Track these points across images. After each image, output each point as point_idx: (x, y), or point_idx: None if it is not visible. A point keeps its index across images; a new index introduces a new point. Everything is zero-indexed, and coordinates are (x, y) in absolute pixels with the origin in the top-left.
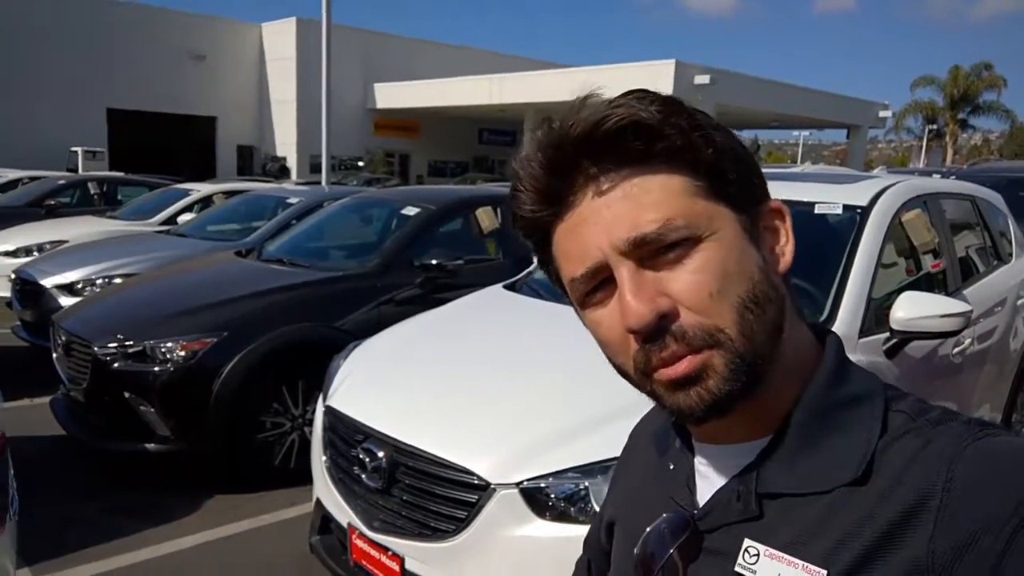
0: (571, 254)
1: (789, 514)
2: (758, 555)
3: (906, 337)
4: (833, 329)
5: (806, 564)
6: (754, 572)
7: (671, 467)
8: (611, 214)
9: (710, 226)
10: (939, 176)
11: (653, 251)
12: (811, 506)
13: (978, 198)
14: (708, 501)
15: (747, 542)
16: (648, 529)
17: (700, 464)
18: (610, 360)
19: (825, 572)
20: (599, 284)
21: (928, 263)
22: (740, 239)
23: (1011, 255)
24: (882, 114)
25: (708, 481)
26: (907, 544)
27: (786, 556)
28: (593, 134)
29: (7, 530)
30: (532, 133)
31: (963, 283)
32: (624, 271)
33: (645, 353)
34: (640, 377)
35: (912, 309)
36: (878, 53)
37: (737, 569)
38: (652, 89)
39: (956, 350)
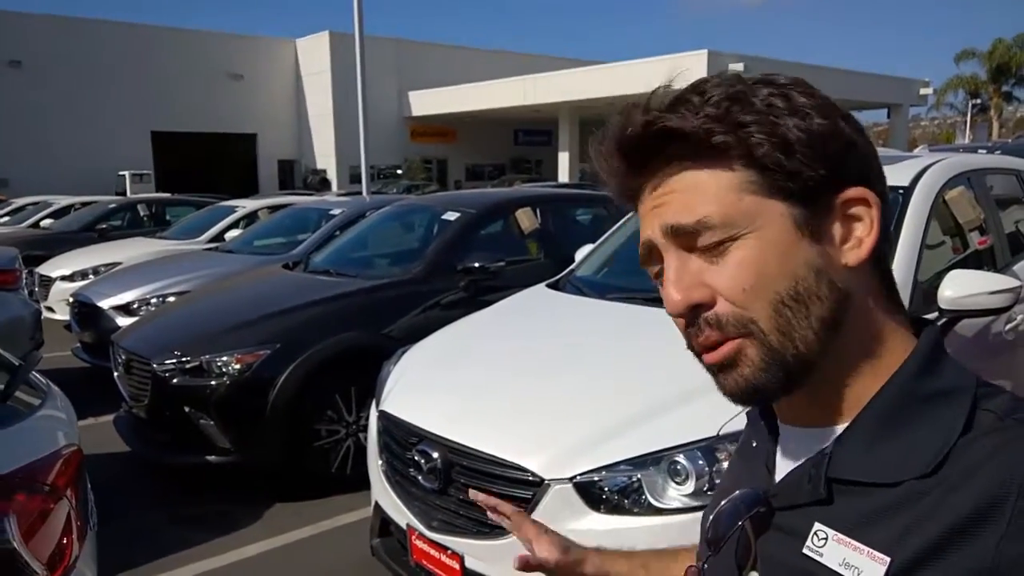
0: (640, 237)
1: (858, 501)
2: (826, 539)
3: (955, 316)
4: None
5: (871, 551)
6: (821, 555)
7: (754, 445)
8: (662, 202)
9: (752, 223)
10: (984, 151)
11: (694, 242)
12: (881, 495)
13: None
14: (781, 480)
15: (817, 525)
16: (723, 502)
17: (781, 445)
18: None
19: (888, 560)
20: (661, 267)
21: (975, 240)
22: (787, 235)
23: None
24: (923, 91)
25: (786, 462)
26: (974, 543)
27: (853, 541)
28: (642, 139)
29: (88, 541)
30: (597, 134)
31: (1012, 258)
32: (670, 256)
33: (687, 336)
34: (695, 356)
35: (960, 287)
36: (916, 29)
37: (805, 551)
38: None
39: (1008, 327)
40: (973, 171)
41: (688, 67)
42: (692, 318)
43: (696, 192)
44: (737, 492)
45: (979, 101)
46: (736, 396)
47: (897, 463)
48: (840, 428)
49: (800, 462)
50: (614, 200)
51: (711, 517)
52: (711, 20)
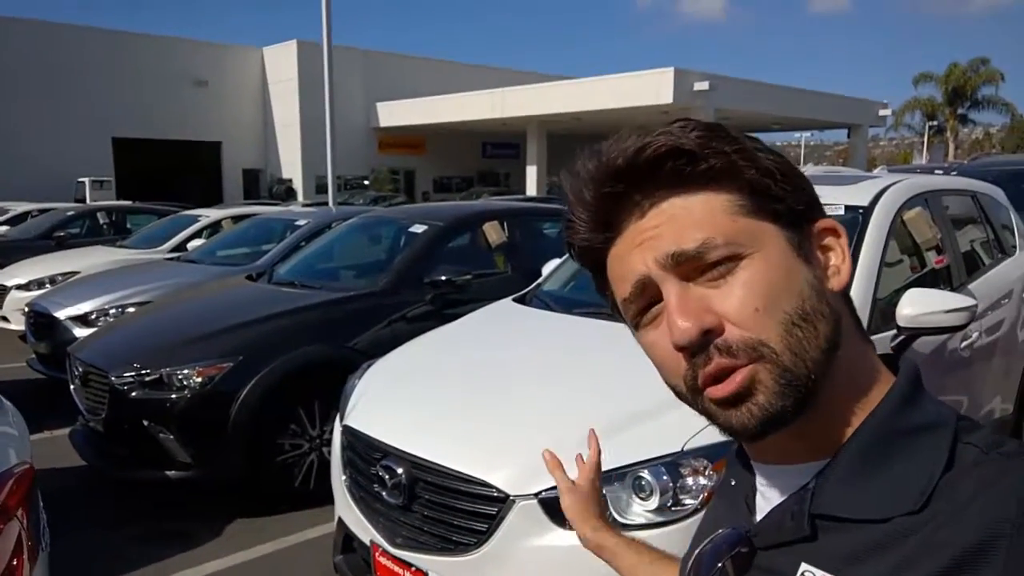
0: (621, 276)
1: (844, 538)
2: None
3: (913, 333)
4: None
5: None
6: None
7: (732, 483)
8: (655, 232)
9: (753, 243)
10: (940, 172)
11: (697, 268)
12: (867, 532)
13: (979, 193)
14: (763, 519)
15: (804, 566)
16: (704, 543)
17: (760, 483)
18: (666, 382)
19: None
20: (648, 305)
21: (932, 259)
22: (787, 255)
23: (1015, 247)
24: (882, 113)
25: (766, 499)
26: None
27: None
28: (635, 161)
29: (40, 562)
30: (580, 163)
31: (968, 278)
32: (670, 287)
33: (693, 369)
34: (693, 396)
35: (917, 305)
36: (874, 52)
37: None
38: (693, 119)
39: (964, 344)
40: (931, 192)
41: (656, 83)
42: (700, 347)
43: (689, 217)
44: (719, 532)
45: (936, 123)
46: (749, 429)
47: (883, 499)
48: (820, 464)
49: (782, 499)
50: (579, 252)
51: (691, 560)
52: (677, 39)
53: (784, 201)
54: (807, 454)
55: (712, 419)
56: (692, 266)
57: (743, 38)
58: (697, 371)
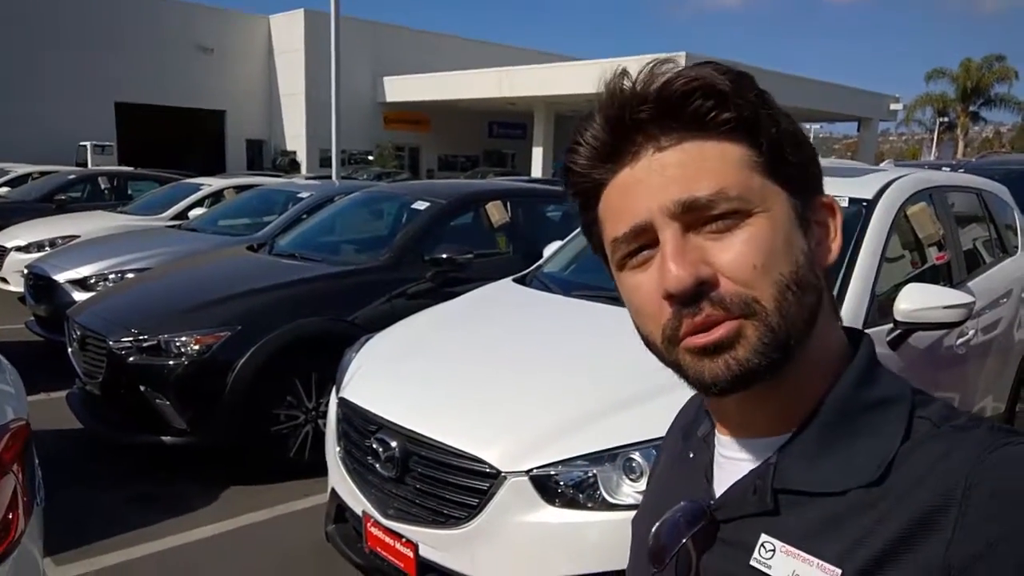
0: (619, 212)
1: (805, 512)
2: (774, 550)
3: (909, 328)
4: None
5: (821, 562)
6: (769, 567)
7: (691, 456)
8: (666, 175)
9: (762, 202)
10: (948, 169)
11: (701, 218)
12: (828, 506)
13: (984, 191)
14: (725, 492)
15: (764, 537)
16: (664, 517)
17: (720, 456)
18: (638, 328)
19: (839, 572)
20: (640, 248)
21: (933, 255)
22: (790, 221)
23: (1017, 247)
24: (893, 107)
25: (725, 472)
26: (924, 549)
27: (802, 553)
28: (662, 93)
29: (34, 517)
30: (603, 85)
31: (968, 275)
32: (669, 234)
33: (678, 318)
34: (666, 346)
35: (915, 300)
36: (889, 46)
37: (752, 563)
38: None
39: (960, 341)
40: (936, 188)
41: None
42: (691, 298)
43: (704, 164)
44: (681, 504)
45: (947, 119)
46: (719, 382)
47: (843, 472)
48: (781, 438)
49: (743, 474)
50: (574, 180)
51: (652, 532)
52: (691, 25)
53: (796, 168)
54: (769, 427)
55: (682, 370)
56: (697, 215)
57: (756, 27)
58: (681, 320)
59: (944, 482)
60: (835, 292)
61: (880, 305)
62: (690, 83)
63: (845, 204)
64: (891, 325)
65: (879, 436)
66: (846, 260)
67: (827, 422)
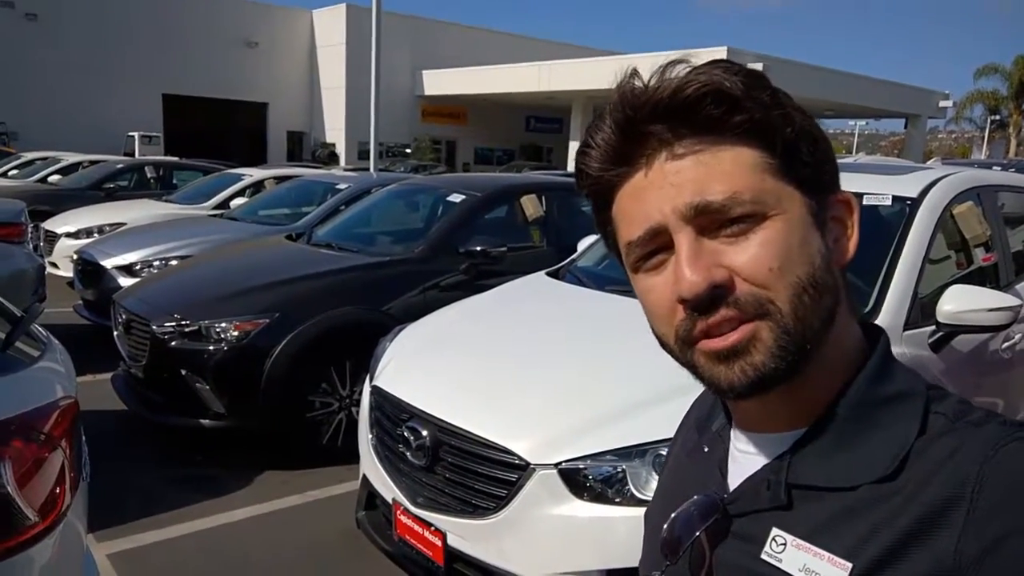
0: (632, 216)
1: (817, 506)
2: (785, 544)
3: (953, 330)
4: (877, 321)
5: (831, 556)
6: (780, 561)
7: (705, 450)
8: (679, 179)
9: (777, 204)
10: (999, 168)
11: (716, 221)
12: (840, 500)
13: None
14: (738, 487)
15: (775, 531)
16: (678, 510)
17: (735, 449)
18: (653, 329)
19: (850, 566)
20: (655, 250)
21: (979, 256)
22: (806, 222)
23: None
24: (942, 104)
25: (740, 467)
26: (934, 543)
27: (812, 547)
28: (673, 98)
29: (80, 492)
30: (619, 86)
31: (1016, 277)
32: (683, 238)
33: (691, 320)
34: (680, 346)
35: (960, 302)
36: (939, 41)
37: (763, 557)
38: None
39: (1005, 345)
40: (984, 187)
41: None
42: (707, 303)
43: (718, 168)
44: (695, 498)
45: (998, 117)
46: (735, 388)
47: (856, 467)
48: (796, 432)
49: (757, 468)
50: (588, 182)
51: (666, 524)
52: (731, 18)
53: (811, 167)
54: (786, 422)
55: (697, 373)
56: (712, 219)
57: (800, 21)
58: (695, 322)
59: (955, 476)
60: (876, 290)
61: (923, 306)
62: (701, 88)
63: (888, 202)
64: (933, 327)
65: (894, 431)
66: (888, 258)
67: (842, 418)
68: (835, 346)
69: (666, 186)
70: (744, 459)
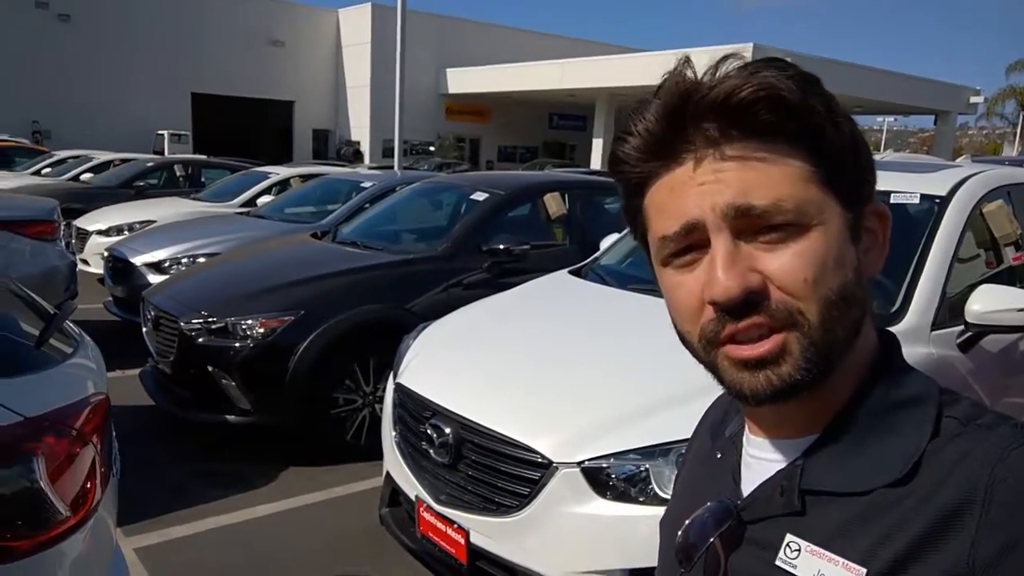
0: (669, 210)
1: (831, 512)
2: (799, 550)
3: (981, 331)
4: (904, 321)
5: (846, 562)
6: (795, 567)
7: (718, 456)
8: (723, 179)
9: (819, 215)
10: None
11: (755, 226)
12: (853, 505)
13: None
14: (752, 493)
15: (789, 537)
16: (692, 517)
17: (748, 455)
18: (676, 325)
19: (864, 571)
20: (688, 247)
21: (1010, 256)
22: (843, 235)
23: None
24: (973, 100)
25: (753, 472)
26: (948, 547)
27: (827, 553)
28: (729, 99)
29: (111, 487)
30: (667, 77)
31: None
32: (721, 239)
33: (721, 323)
34: (704, 345)
35: (989, 302)
36: (969, 37)
37: (778, 563)
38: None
39: None
40: (1014, 185)
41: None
42: (740, 307)
43: (764, 172)
44: (707, 505)
45: None
46: (758, 395)
47: (868, 471)
48: (809, 438)
49: (771, 474)
50: (622, 169)
51: (680, 531)
52: (756, 14)
53: (852, 179)
54: (799, 428)
55: (718, 374)
56: (752, 223)
57: (827, 16)
58: (724, 324)
59: (967, 480)
60: (903, 290)
61: (951, 306)
62: (757, 92)
63: (916, 200)
64: (962, 327)
65: (906, 436)
66: (916, 257)
67: (854, 423)
68: (855, 354)
69: (710, 184)
70: (757, 465)
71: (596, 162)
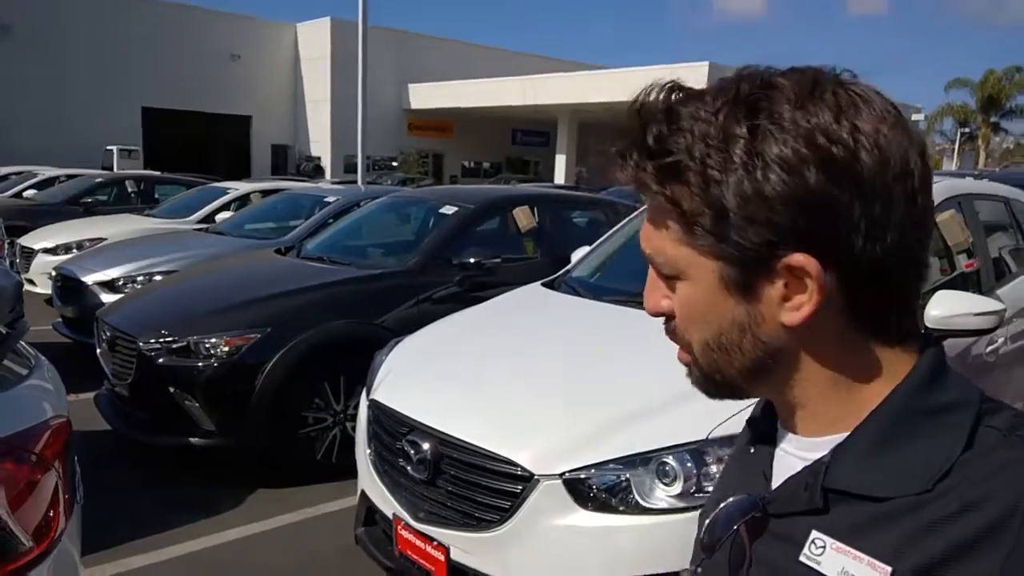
0: None
1: (856, 512)
2: (824, 547)
3: (940, 335)
4: None
5: (872, 560)
6: (819, 563)
7: (751, 451)
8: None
9: (686, 272)
10: (972, 178)
11: None
12: (880, 508)
13: (1012, 200)
14: (779, 487)
15: (814, 533)
16: (720, 507)
17: (780, 451)
18: None
19: (890, 570)
20: None
21: (962, 263)
22: (713, 292)
23: None
24: (914, 117)
25: (783, 467)
26: (979, 560)
27: (852, 550)
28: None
29: (75, 515)
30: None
31: (996, 283)
32: (650, 269)
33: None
34: None
35: (946, 307)
36: (910, 56)
37: (802, 559)
38: (688, 86)
39: (989, 349)
40: (964, 195)
41: (690, 77)
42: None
43: (653, 222)
44: (732, 498)
45: (968, 130)
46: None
47: (896, 477)
48: (839, 437)
49: (798, 470)
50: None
51: (707, 522)
52: (714, 32)
53: (730, 241)
54: (827, 427)
55: None
56: None
57: (779, 37)
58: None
59: (1007, 492)
60: None
61: None
62: (631, 127)
63: None
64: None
65: (937, 443)
66: None
67: (883, 425)
68: (829, 376)
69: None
70: (788, 460)
71: (560, 177)
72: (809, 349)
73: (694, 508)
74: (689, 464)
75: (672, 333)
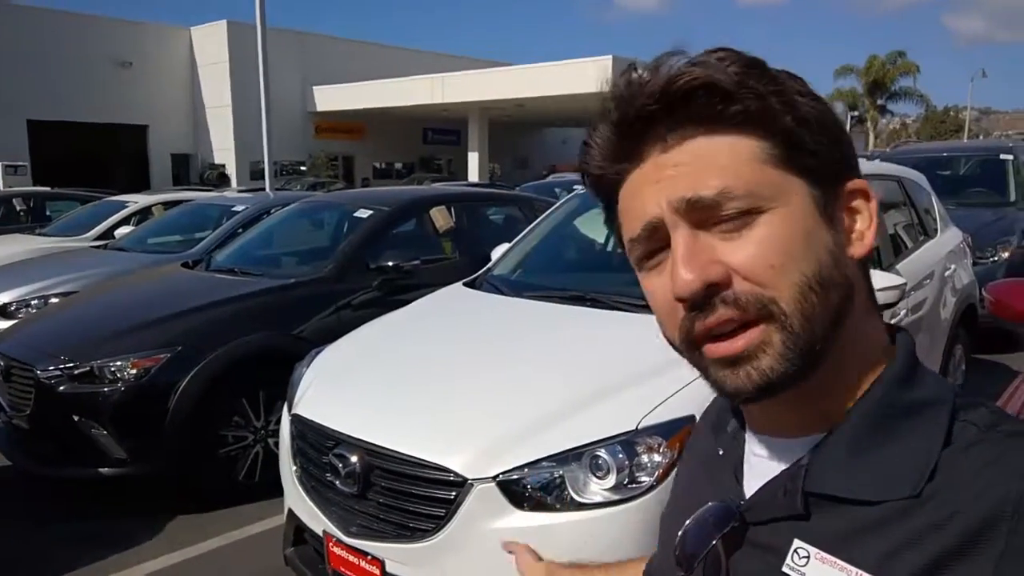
0: (632, 212)
1: (838, 517)
2: (808, 557)
3: None
4: None
5: (860, 571)
6: (803, 574)
7: (720, 453)
8: (674, 173)
9: (777, 197)
10: (864, 160)
11: (712, 217)
12: (863, 512)
13: (904, 179)
14: (755, 493)
15: (797, 542)
16: (692, 517)
17: (750, 454)
18: (663, 334)
19: None
20: (657, 249)
21: None
22: (811, 215)
23: (936, 230)
24: None
25: (756, 472)
26: (972, 563)
27: (838, 561)
28: (665, 91)
29: None
30: (615, 81)
31: (895, 259)
32: (679, 234)
33: (691, 320)
34: (685, 347)
35: None
36: (802, 45)
37: (785, 570)
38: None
39: (893, 322)
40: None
41: (595, 71)
42: (703, 301)
43: (712, 161)
44: (708, 505)
45: (857, 113)
46: (742, 393)
47: (879, 480)
48: (815, 438)
49: (774, 474)
50: (591, 181)
51: (679, 534)
52: (613, 25)
53: (818, 155)
54: (801, 427)
55: (706, 375)
56: (707, 214)
57: (677, 27)
58: (694, 323)
59: (995, 491)
60: None
61: None
62: (691, 81)
63: None
64: None
65: (916, 441)
66: None
67: (862, 425)
68: (852, 345)
69: (662, 179)
70: (760, 464)
71: (473, 175)
72: (858, 301)
73: (629, 500)
74: (621, 456)
75: (734, 303)
